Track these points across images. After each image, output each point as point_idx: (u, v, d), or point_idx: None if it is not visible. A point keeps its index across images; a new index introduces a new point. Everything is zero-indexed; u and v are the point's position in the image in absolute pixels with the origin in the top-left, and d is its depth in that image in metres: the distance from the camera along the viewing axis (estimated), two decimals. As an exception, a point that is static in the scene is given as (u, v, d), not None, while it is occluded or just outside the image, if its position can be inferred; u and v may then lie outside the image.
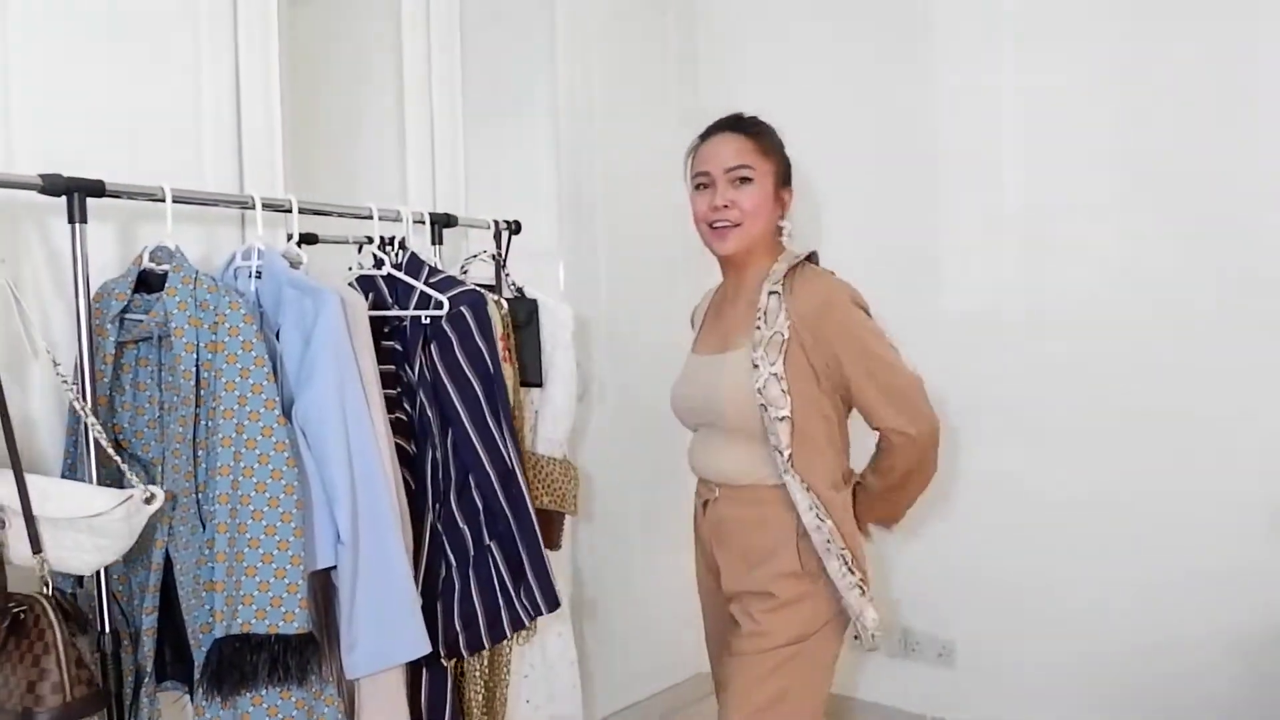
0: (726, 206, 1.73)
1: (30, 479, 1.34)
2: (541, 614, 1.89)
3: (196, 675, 1.42)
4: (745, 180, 1.74)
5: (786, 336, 1.68)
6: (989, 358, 2.60)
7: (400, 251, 1.88)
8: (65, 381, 1.39)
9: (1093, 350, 2.45)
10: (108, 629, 1.46)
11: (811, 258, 1.80)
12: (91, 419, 1.40)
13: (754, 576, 1.74)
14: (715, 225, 1.76)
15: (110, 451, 1.38)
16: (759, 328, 1.70)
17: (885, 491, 1.81)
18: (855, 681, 2.87)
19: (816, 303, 1.69)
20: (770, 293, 1.71)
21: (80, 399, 1.41)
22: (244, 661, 1.34)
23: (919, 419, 1.71)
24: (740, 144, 1.76)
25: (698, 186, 1.80)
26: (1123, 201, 2.42)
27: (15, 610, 1.31)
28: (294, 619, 1.37)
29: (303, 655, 1.37)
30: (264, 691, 1.37)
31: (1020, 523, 2.58)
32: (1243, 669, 2.28)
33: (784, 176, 1.81)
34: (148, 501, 1.33)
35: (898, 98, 2.73)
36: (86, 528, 1.32)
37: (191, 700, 1.50)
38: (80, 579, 1.49)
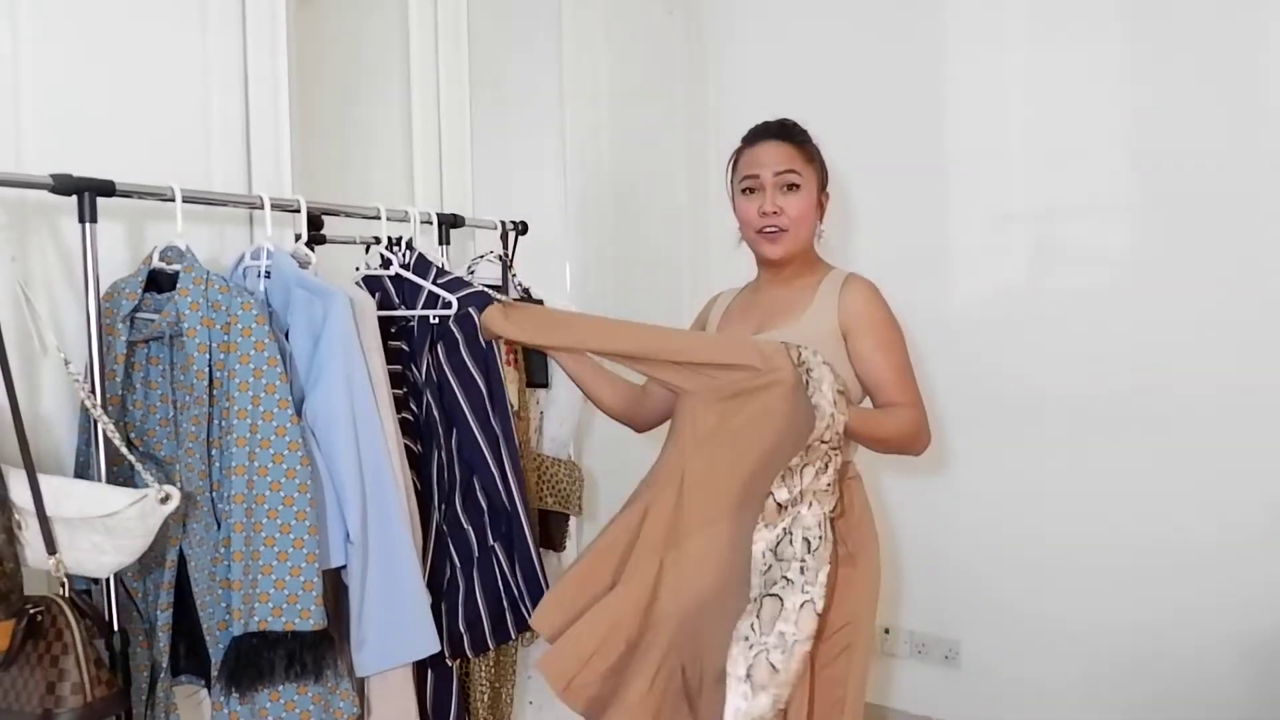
0: (776, 213, 1.77)
1: (44, 479, 1.34)
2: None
3: (214, 673, 1.43)
4: (793, 187, 1.78)
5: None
6: (996, 357, 2.61)
7: (408, 252, 1.88)
8: (77, 380, 1.39)
9: (1100, 349, 2.46)
10: (116, 627, 1.45)
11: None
12: (103, 416, 1.40)
13: None
14: (765, 230, 1.79)
15: (124, 450, 1.38)
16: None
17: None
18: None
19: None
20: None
21: (94, 400, 1.41)
22: (261, 658, 1.35)
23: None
24: (787, 150, 1.79)
25: (745, 190, 1.82)
26: (1130, 200, 2.43)
27: (33, 612, 1.31)
28: (310, 616, 1.38)
29: (318, 651, 1.38)
30: (281, 687, 1.38)
31: (1026, 522, 2.59)
32: (1246, 668, 2.29)
33: (824, 182, 1.85)
34: (163, 501, 1.33)
35: (906, 94, 2.74)
36: (103, 528, 1.32)
37: (209, 696, 1.50)
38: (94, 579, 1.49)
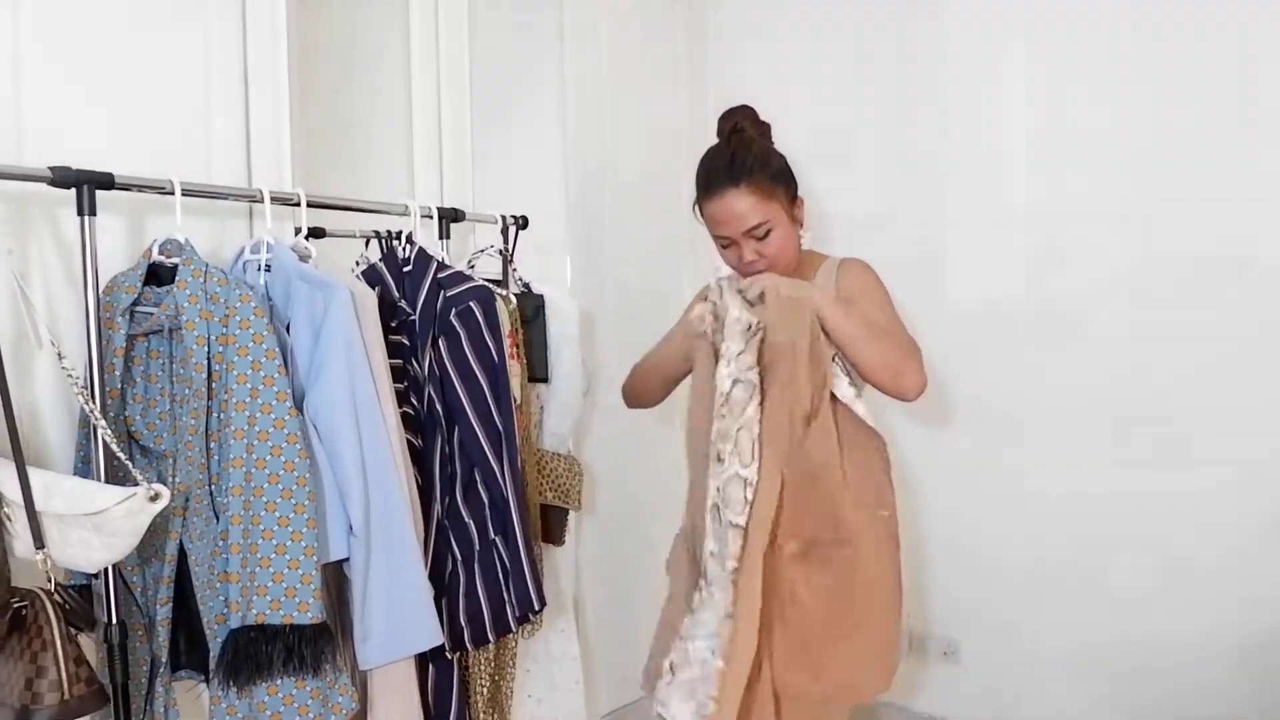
0: (757, 258, 1.76)
1: (34, 474, 1.33)
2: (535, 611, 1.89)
3: (212, 666, 1.43)
4: (766, 234, 1.75)
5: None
6: (994, 355, 2.61)
7: (408, 246, 1.88)
8: (71, 376, 1.38)
9: (1097, 348, 2.46)
10: (114, 620, 1.45)
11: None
12: (98, 417, 1.38)
13: None
14: (751, 271, 1.77)
15: (115, 449, 1.37)
16: None
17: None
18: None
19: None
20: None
21: (87, 394, 1.40)
22: (259, 652, 1.35)
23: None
24: (746, 200, 1.73)
25: (722, 245, 1.81)
26: (1128, 200, 2.42)
27: (17, 605, 1.30)
28: (308, 609, 1.37)
29: (317, 645, 1.38)
30: (279, 681, 1.37)
31: (1024, 520, 2.59)
32: (1244, 667, 2.29)
33: (792, 195, 1.80)
34: (153, 499, 1.31)
35: (906, 93, 2.74)
36: (91, 525, 1.31)
37: (208, 689, 1.50)
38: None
